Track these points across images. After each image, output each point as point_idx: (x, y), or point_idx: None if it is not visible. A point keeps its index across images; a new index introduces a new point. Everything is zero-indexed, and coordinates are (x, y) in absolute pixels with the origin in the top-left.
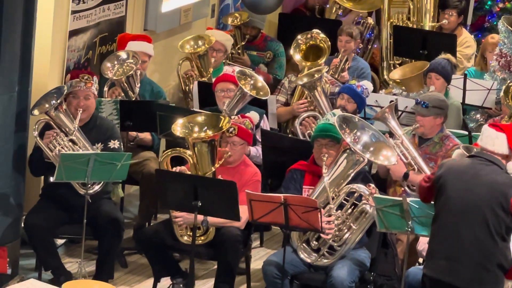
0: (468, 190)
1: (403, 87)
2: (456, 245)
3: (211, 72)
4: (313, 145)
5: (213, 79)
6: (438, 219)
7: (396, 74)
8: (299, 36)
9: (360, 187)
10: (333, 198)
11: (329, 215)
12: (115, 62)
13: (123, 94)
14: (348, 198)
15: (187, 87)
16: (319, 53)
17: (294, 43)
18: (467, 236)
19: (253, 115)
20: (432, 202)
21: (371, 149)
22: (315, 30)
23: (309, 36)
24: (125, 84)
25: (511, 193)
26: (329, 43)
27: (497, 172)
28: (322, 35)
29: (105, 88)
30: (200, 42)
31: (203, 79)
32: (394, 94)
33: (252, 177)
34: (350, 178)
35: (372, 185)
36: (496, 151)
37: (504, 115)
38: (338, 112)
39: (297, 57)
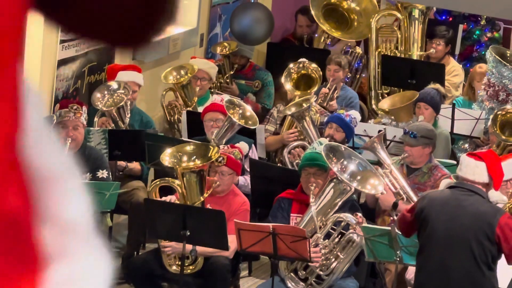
0: (453, 222)
1: (392, 117)
2: (444, 277)
3: (195, 101)
4: (301, 174)
5: (198, 108)
6: (423, 252)
7: (385, 104)
8: (291, 65)
9: (347, 216)
10: (320, 227)
11: (316, 245)
12: (105, 92)
13: (113, 125)
14: (335, 227)
15: (172, 118)
16: (310, 82)
17: (286, 72)
18: (454, 268)
19: (243, 145)
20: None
21: (358, 178)
22: (304, 60)
23: (300, 65)
24: (115, 114)
25: (495, 222)
26: (321, 73)
27: (480, 202)
28: (313, 65)
29: (96, 119)
30: (182, 72)
31: (188, 108)
32: (383, 124)
33: (241, 207)
34: (337, 207)
35: (359, 214)
36: (477, 180)
37: (492, 144)
38: (324, 140)
39: (288, 86)
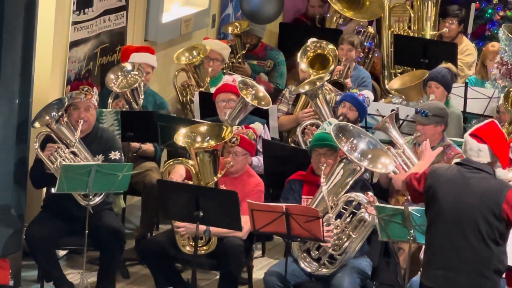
0: (459, 199)
1: (403, 96)
2: (452, 254)
3: (208, 81)
4: (311, 155)
5: (211, 89)
6: (431, 229)
7: (396, 83)
8: (308, 43)
9: (358, 196)
10: (331, 207)
11: (328, 224)
12: (119, 74)
13: (127, 106)
14: (346, 207)
15: (184, 98)
16: (324, 62)
17: (302, 50)
18: (461, 245)
19: (257, 126)
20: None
21: (369, 156)
22: (322, 40)
23: (318, 44)
24: (129, 95)
25: (502, 199)
26: (337, 53)
27: (486, 178)
28: (331, 46)
29: (110, 100)
30: (195, 53)
31: (200, 89)
32: (394, 103)
33: (255, 187)
34: (348, 187)
35: (370, 193)
36: (482, 161)
37: (504, 122)
38: (334, 121)
39: (302, 64)
